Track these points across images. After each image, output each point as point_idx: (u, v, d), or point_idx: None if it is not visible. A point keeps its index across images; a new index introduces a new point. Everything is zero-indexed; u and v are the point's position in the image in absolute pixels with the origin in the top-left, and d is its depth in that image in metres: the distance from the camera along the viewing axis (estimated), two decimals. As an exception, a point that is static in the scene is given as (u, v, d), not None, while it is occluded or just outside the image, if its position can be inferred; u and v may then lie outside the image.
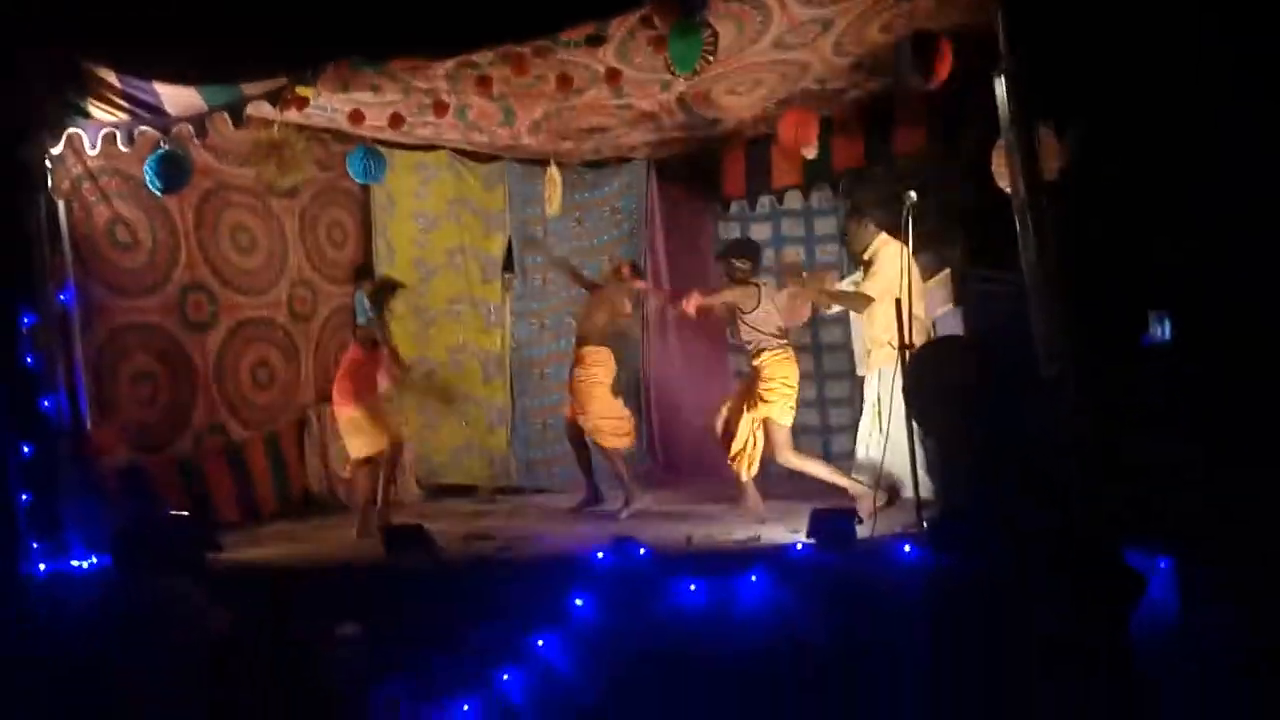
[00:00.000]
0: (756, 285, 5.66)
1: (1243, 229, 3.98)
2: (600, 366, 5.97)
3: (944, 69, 4.69)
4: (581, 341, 6.06)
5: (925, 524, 4.11)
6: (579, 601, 4.03)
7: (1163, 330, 4.12)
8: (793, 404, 5.55)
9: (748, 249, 5.81)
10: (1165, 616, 3.39)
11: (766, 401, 5.49)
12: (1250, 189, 3.98)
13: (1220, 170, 4.04)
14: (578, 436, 6.10)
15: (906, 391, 2.47)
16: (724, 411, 5.73)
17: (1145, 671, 2.63)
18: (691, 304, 5.70)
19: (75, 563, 4.56)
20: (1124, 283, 4.23)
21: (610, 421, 5.94)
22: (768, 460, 5.69)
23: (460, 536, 5.06)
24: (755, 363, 5.61)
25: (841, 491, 5.31)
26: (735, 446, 5.58)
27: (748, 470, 5.58)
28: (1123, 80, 4.38)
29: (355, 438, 5.65)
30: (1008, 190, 4.40)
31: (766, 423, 5.53)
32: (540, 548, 4.84)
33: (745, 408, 5.58)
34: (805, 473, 5.54)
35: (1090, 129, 4.44)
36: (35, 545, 4.54)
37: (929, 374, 2.46)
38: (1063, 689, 1.97)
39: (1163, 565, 3.73)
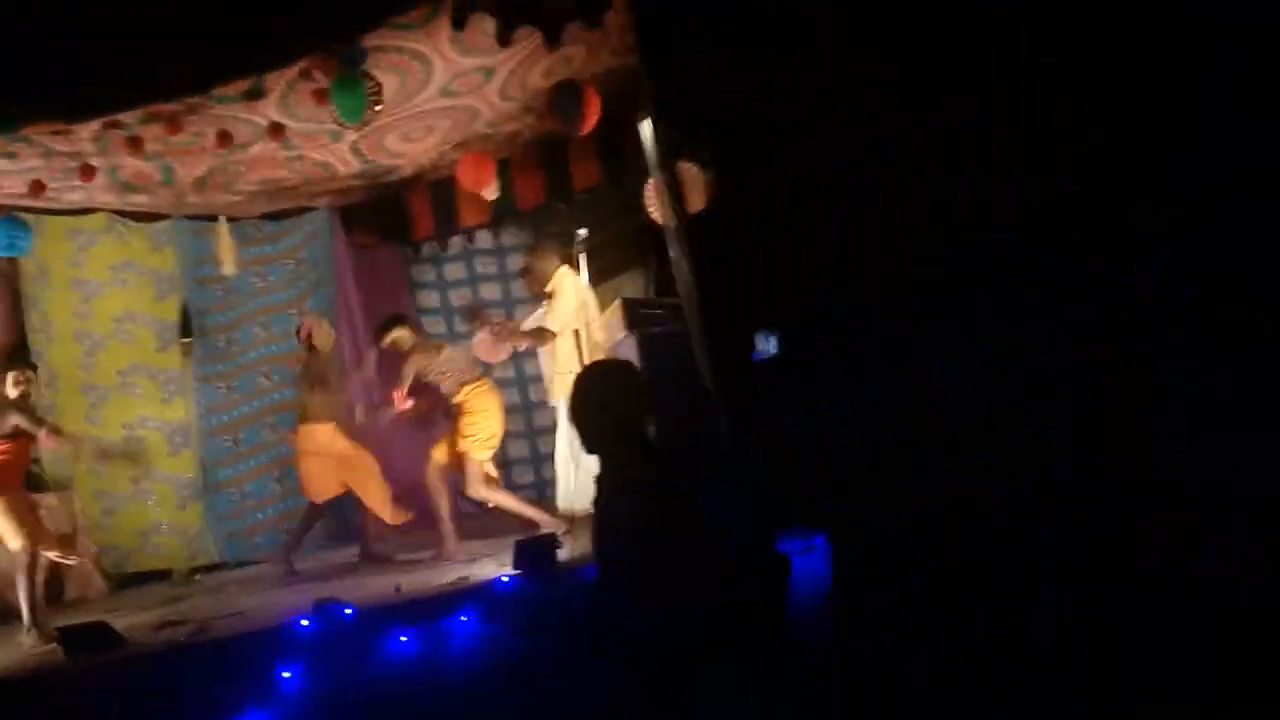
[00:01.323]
0: (427, 342, 5.92)
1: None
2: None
3: (592, 114, 5.01)
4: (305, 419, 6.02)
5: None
6: (286, 674, 3.90)
7: (770, 345, 4.67)
8: (490, 437, 5.69)
9: (392, 323, 5.98)
10: (820, 589, 3.88)
11: (466, 436, 5.60)
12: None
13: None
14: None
15: (571, 412, 2.64)
16: (436, 457, 5.76)
17: (804, 643, 2.97)
18: (401, 405, 5.74)
19: None
20: (752, 304, 4.68)
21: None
22: (460, 498, 5.86)
23: (152, 626, 4.71)
24: (456, 400, 5.70)
25: (530, 521, 5.54)
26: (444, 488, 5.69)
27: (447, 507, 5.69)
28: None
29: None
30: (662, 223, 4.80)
31: (462, 457, 5.62)
32: (240, 624, 4.61)
33: (450, 447, 5.68)
34: (497, 505, 5.74)
35: (726, 166, 4.88)
36: None
37: (587, 396, 2.66)
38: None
39: (819, 543, 4.23)
